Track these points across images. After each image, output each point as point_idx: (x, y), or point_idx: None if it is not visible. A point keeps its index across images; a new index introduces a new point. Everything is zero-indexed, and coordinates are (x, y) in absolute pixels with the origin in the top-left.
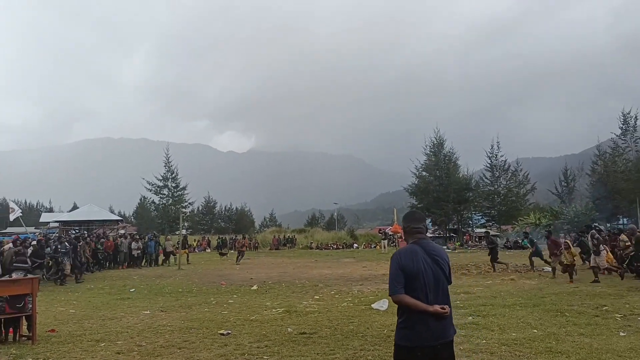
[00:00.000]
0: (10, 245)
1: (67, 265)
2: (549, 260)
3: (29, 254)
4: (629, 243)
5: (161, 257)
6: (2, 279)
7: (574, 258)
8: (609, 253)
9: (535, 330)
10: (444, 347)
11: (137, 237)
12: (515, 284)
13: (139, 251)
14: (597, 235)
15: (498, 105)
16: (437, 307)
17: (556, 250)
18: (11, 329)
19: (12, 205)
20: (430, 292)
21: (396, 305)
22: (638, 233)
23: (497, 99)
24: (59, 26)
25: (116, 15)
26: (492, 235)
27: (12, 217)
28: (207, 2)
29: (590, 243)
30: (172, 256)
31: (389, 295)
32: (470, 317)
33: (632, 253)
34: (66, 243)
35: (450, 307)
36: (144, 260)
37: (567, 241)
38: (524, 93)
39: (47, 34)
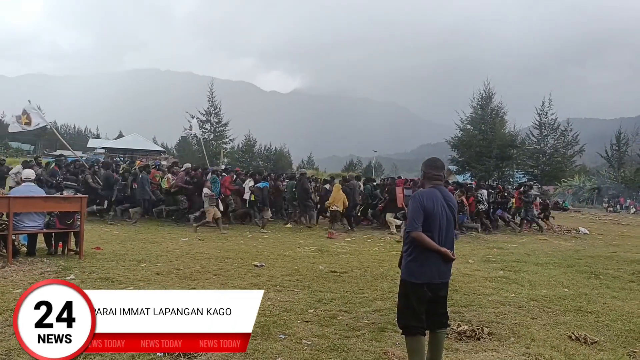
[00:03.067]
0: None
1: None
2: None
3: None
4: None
5: None
6: (54, 195)
7: None
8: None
9: (567, 289)
10: (444, 285)
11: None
12: (550, 243)
13: None
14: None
15: (556, 62)
16: (446, 250)
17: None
18: (60, 243)
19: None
20: (442, 235)
21: None
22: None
23: (556, 56)
24: None
25: None
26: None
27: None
28: None
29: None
30: None
31: (406, 231)
32: (501, 272)
33: None
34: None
35: (453, 250)
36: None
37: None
38: (585, 51)
39: None
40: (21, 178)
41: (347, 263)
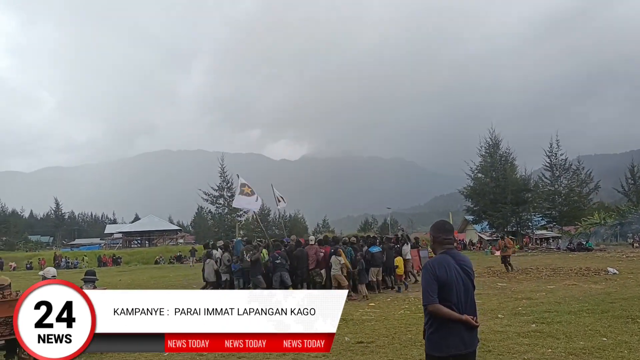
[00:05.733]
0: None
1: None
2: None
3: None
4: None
5: None
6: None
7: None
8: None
9: (605, 339)
10: (471, 354)
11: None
12: (580, 288)
13: None
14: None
15: (557, 103)
16: (468, 317)
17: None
18: None
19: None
20: (461, 302)
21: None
22: None
23: (557, 97)
24: (121, 46)
25: (174, 33)
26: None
27: (236, 203)
28: (260, 17)
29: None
30: None
31: (423, 305)
32: (534, 325)
33: None
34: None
35: (476, 315)
36: None
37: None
38: (585, 89)
39: (110, 55)
40: (43, 276)
41: (373, 331)
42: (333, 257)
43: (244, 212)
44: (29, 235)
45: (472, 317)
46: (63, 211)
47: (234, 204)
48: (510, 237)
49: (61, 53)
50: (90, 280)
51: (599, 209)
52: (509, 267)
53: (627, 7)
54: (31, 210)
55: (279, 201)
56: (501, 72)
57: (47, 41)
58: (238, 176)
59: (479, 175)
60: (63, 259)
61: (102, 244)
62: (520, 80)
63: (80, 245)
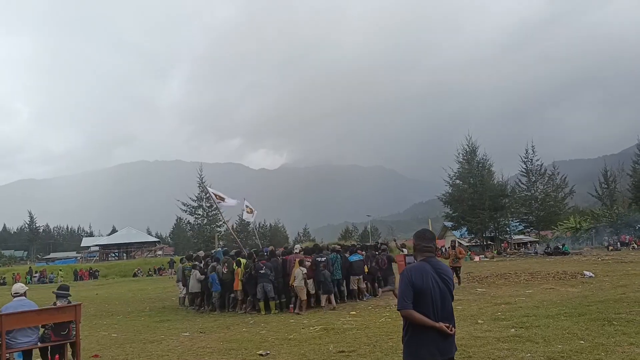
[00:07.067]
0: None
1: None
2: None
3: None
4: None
5: None
6: (47, 307)
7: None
8: None
9: (582, 342)
10: None
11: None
12: (557, 292)
13: None
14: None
15: (532, 109)
16: (442, 325)
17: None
18: (57, 356)
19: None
20: (437, 309)
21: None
22: None
23: (531, 103)
24: (98, 56)
25: (152, 42)
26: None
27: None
28: (239, 25)
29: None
30: None
31: (398, 310)
32: (513, 330)
33: None
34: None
35: (454, 324)
36: None
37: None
38: (558, 95)
39: (87, 64)
40: (12, 293)
41: (354, 340)
42: (298, 268)
43: (223, 222)
44: (2, 250)
45: (448, 325)
46: (38, 224)
47: (222, 209)
48: (460, 245)
49: (37, 63)
50: (64, 295)
51: (575, 213)
52: (459, 281)
53: (599, 15)
54: (4, 224)
55: (250, 212)
56: (478, 79)
57: (23, 50)
58: (208, 186)
59: (457, 181)
60: (37, 274)
61: (79, 258)
62: (496, 87)
63: (56, 259)
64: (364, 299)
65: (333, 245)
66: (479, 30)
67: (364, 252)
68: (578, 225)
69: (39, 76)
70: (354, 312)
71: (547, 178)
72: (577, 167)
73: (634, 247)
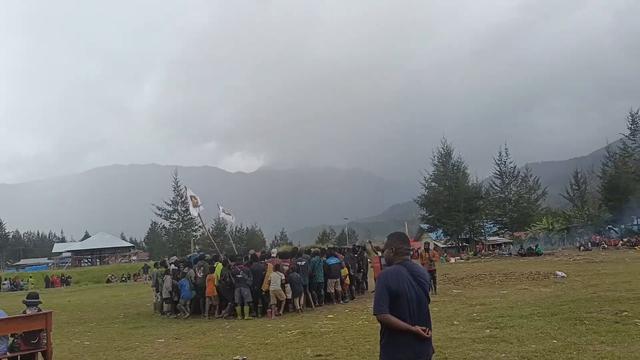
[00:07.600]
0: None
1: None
2: None
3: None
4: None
5: None
6: (16, 315)
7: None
8: None
9: (555, 341)
10: None
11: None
12: (531, 292)
13: None
14: None
15: (505, 113)
16: (418, 328)
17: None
18: None
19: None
20: (413, 313)
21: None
22: None
23: (504, 106)
24: (69, 59)
25: (126, 46)
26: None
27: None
28: (215, 28)
29: None
30: None
31: (374, 314)
32: (488, 330)
33: None
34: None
35: (430, 327)
36: None
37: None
38: (531, 99)
39: (57, 68)
40: None
41: (332, 343)
42: (274, 273)
43: (199, 226)
44: None
45: (424, 328)
46: (7, 230)
47: (193, 214)
48: (435, 248)
49: (6, 66)
50: (33, 304)
51: (547, 214)
52: (434, 289)
53: (569, 21)
54: None
55: (228, 214)
56: (452, 84)
57: None
58: (186, 188)
59: (433, 184)
60: (7, 281)
61: (50, 264)
62: (470, 90)
63: (26, 266)
64: (343, 302)
65: (315, 249)
66: (453, 35)
67: (342, 255)
68: (551, 226)
69: (8, 80)
70: (331, 316)
71: (520, 180)
72: (549, 169)
73: (604, 247)
